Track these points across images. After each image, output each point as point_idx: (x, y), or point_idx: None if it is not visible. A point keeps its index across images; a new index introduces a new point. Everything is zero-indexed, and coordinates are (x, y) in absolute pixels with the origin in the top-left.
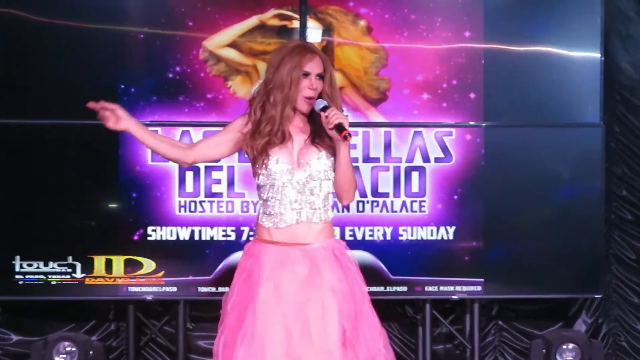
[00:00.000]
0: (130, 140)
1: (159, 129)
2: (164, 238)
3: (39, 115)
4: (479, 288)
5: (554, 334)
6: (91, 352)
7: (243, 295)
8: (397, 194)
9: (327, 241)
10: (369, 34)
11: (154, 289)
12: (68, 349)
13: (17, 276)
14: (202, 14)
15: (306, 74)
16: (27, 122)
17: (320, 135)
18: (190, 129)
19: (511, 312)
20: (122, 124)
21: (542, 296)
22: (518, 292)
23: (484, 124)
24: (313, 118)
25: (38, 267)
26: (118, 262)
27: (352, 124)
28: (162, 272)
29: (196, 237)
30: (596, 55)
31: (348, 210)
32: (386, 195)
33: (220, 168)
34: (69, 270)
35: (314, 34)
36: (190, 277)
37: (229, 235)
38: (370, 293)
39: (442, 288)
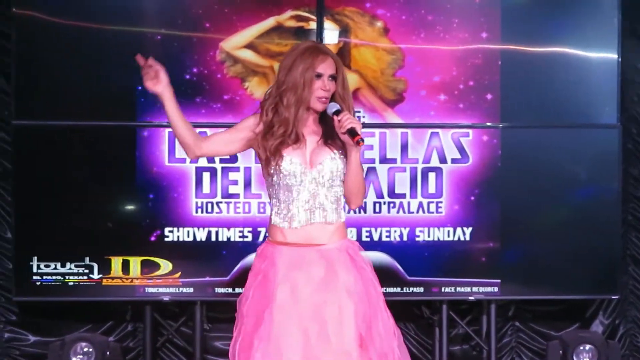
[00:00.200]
0: (147, 141)
1: None
2: (180, 239)
3: (56, 116)
4: (496, 289)
5: (570, 335)
6: (108, 353)
7: (259, 298)
8: (413, 195)
9: (342, 242)
10: (385, 35)
11: (171, 289)
12: (85, 349)
13: (34, 277)
14: (219, 16)
15: (319, 75)
16: (44, 123)
17: (333, 136)
18: (207, 130)
19: (528, 313)
20: (159, 87)
21: (558, 297)
22: (535, 293)
23: (500, 125)
24: (325, 119)
25: (55, 268)
26: (135, 263)
27: (368, 125)
28: (179, 273)
29: (213, 238)
30: (613, 56)
31: (365, 212)
32: (403, 196)
33: (237, 169)
34: (86, 271)
35: (331, 35)
36: (207, 278)
37: (246, 236)
38: (387, 294)
39: (458, 289)
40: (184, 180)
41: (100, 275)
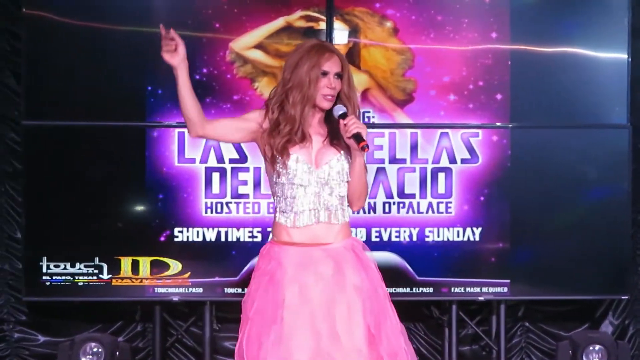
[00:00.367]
0: (157, 142)
1: (185, 130)
2: (190, 239)
3: (66, 117)
4: (505, 289)
5: (580, 335)
6: (117, 353)
7: (267, 300)
8: (423, 195)
9: (347, 240)
10: (395, 35)
11: (180, 290)
12: (94, 349)
13: (44, 277)
14: (229, 16)
15: (325, 73)
16: (54, 123)
17: (338, 136)
18: None
19: (537, 313)
20: (175, 60)
21: (568, 297)
22: (544, 294)
23: (510, 125)
24: (330, 118)
25: (65, 268)
26: (144, 263)
27: (378, 125)
28: (189, 273)
29: (222, 239)
30: (623, 56)
31: (374, 212)
32: (412, 196)
33: (246, 169)
34: (96, 271)
35: (340, 35)
36: (217, 278)
37: (256, 237)
38: (396, 294)
39: (468, 289)
40: (194, 180)
41: (110, 276)
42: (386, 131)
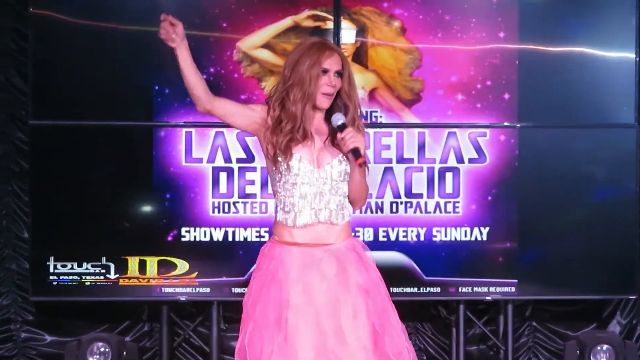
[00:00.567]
0: (164, 141)
1: (193, 130)
2: (197, 239)
3: (73, 116)
4: (513, 289)
5: (588, 335)
6: (125, 353)
7: (269, 300)
8: (430, 194)
9: (348, 241)
10: (403, 34)
11: (188, 289)
12: (102, 349)
13: (51, 277)
14: (236, 15)
15: (325, 71)
16: (61, 123)
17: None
18: (224, 129)
19: (545, 313)
20: (176, 42)
21: (576, 297)
22: (552, 293)
23: (518, 125)
24: (331, 117)
25: (72, 268)
26: (152, 263)
27: (385, 125)
28: (196, 273)
29: (230, 238)
30: (631, 55)
31: (382, 211)
32: (420, 196)
33: (254, 169)
34: (103, 271)
35: (348, 34)
36: (224, 278)
37: (263, 236)
38: (404, 294)
39: (475, 289)
40: (201, 180)
41: (117, 275)
42: (394, 131)
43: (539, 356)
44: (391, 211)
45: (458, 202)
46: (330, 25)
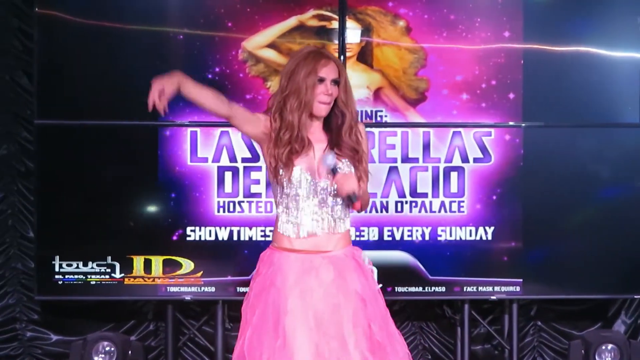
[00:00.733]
0: (170, 141)
1: (198, 129)
2: (202, 238)
3: (78, 116)
4: (518, 288)
5: (593, 334)
6: (130, 352)
7: (268, 306)
8: (435, 194)
9: (347, 248)
10: (408, 34)
11: (193, 289)
12: (107, 348)
13: (56, 276)
14: (241, 15)
15: (321, 80)
16: (66, 123)
17: (339, 144)
18: (229, 129)
19: (550, 312)
20: (170, 92)
21: (581, 297)
22: (557, 293)
23: (523, 124)
24: (329, 126)
25: (77, 267)
26: (157, 262)
27: (390, 125)
28: (201, 272)
29: (235, 238)
30: (636, 55)
31: (387, 211)
32: (425, 195)
33: (259, 169)
34: (108, 270)
35: (353, 34)
36: (229, 277)
37: (268, 236)
38: (409, 293)
39: (480, 288)
40: (206, 179)
41: (122, 275)
42: (399, 130)
43: (544, 355)
44: (396, 210)
45: (463, 201)
46: (335, 24)
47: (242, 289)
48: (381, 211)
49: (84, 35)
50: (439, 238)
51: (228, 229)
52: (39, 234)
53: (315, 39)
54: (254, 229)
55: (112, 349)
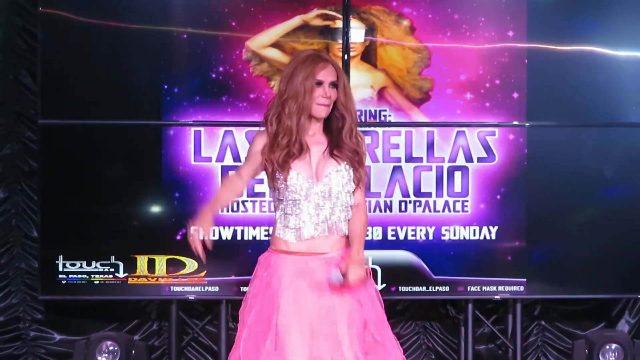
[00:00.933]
0: (173, 140)
1: (202, 129)
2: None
3: (82, 115)
4: (522, 288)
5: (596, 334)
6: (133, 352)
7: (263, 307)
8: (439, 193)
9: (344, 250)
10: (412, 33)
11: (197, 288)
12: (110, 348)
13: (60, 276)
14: (245, 14)
15: (319, 83)
16: (70, 122)
17: (339, 146)
18: (233, 129)
19: (554, 312)
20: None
21: (584, 296)
22: (561, 292)
23: (527, 124)
24: (329, 128)
25: (81, 267)
26: (160, 261)
27: (394, 124)
28: (205, 272)
29: (238, 237)
30: None
31: (390, 210)
32: (429, 195)
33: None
34: (112, 269)
35: (357, 33)
36: (233, 277)
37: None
38: (412, 293)
39: (484, 288)
40: (210, 179)
41: (126, 274)
42: (402, 130)
43: (548, 355)
44: (400, 210)
45: (467, 201)
46: (339, 24)
47: (246, 289)
48: (385, 211)
49: (87, 34)
50: (442, 238)
51: (232, 228)
52: (43, 234)
53: (319, 39)
54: (257, 228)
55: (116, 348)
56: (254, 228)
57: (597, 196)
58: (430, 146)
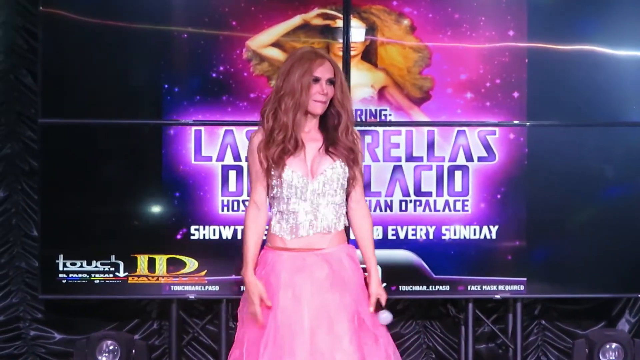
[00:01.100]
0: (174, 140)
1: (202, 128)
2: (206, 237)
3: (82, 115)
4: (522, 287)
5: (597, 333)
6: (134, 351)
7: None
8: (440, 193)
9: (340, 246)
10: (412, 33)
11: (197, 288)
12: (111, 347)
13: (60, 275)
14: (246, 14)
15: (316, 80)
16: (71, 122)
17: (335, 143)
18: (233, 128)
19: (554, 311)
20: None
21: (585, 296)
22: (561, 292)
23: (527, 123)
24: (325, 125)
25: (81, 266)
26: (161, 261)
27: (395, 124)
28: (205, 271)
29: (239, 236)
30: None
31: (391, 210)
32: (429, 194)
33: None
34: (112, 269)
35: (357, 33)
36: (233, 276)
37: None
38: (413, 292)
39: (484, 287)
40: (210, 178)
41: (126, 274)
42: (403, 129)
43: (548, 355)
44: (400, 209)
45: (467, 200)
46: (339, 23)
47: None
48: (385, 210)
49: (88, 34)
50: (443, 237)
51: (232, 227)
52: (43, 233)
53: (319, 38)
54: None
55: (116, 347)
56: None
57: (597, 196)
58: (430, 145)
